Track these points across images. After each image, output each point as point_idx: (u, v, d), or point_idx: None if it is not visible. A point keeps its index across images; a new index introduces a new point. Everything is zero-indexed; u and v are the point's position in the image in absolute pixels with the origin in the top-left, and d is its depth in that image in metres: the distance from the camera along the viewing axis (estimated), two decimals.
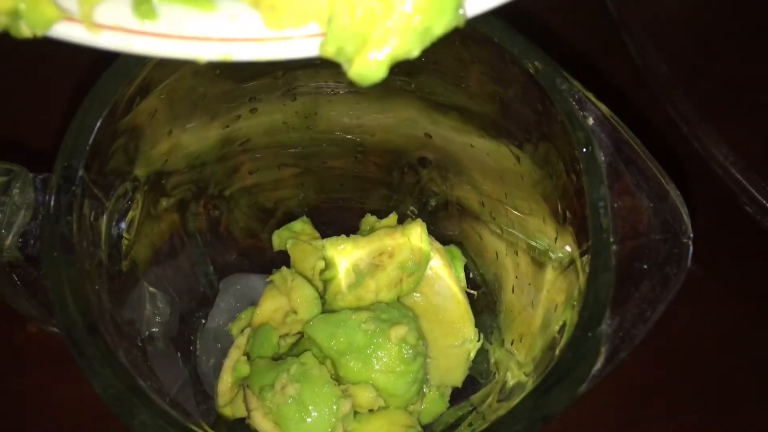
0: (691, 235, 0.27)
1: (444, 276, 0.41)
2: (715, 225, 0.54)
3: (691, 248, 0.27)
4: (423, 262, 0.40)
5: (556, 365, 0.26)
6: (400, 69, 0.35)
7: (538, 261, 0.35)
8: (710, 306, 0.51)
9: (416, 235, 0.40)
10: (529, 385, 0.27)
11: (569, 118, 0.29)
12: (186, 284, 0.41)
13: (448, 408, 0.42)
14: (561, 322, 0.29)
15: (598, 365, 0.26)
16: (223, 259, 0.44)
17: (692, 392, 0.49)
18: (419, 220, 0.40)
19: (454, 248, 0.44)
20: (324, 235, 0.45)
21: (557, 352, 0.27)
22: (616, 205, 0.28)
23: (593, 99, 0.29)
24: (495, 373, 0.40)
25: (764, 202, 0.50)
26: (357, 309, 0.39)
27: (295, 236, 0.45)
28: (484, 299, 0.44)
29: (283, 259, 0.44)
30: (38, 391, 0.48)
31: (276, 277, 0.42)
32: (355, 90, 0.37)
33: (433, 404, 0.41)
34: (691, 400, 0.48)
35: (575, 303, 0.28)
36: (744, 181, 0.50)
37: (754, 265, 0.54)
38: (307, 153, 0.42)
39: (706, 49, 0.57)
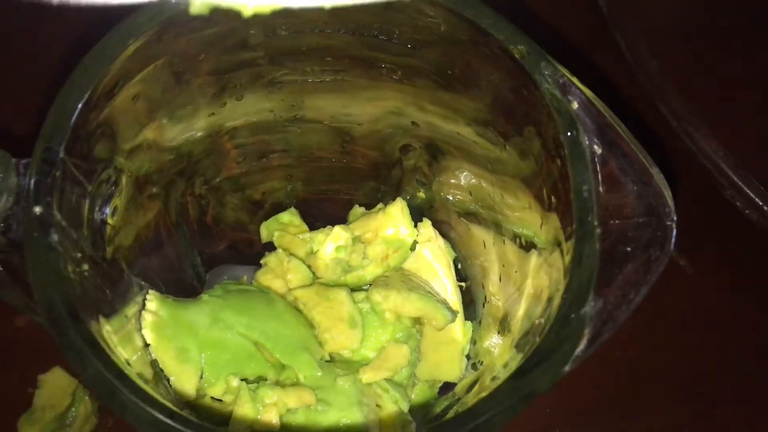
0: (675, 218, 0.27)
1: (437, 270, 0.42)
2: (704, 220, 0.54)
3: (674, 231, 0.27)
4: (407, 236, 0.40)
5: (540, 346, 0.26)
6: (387, 57, 0.35)
7: (525, 248, 0.35)
8: (697, 300, 0.51)
9: (398, 210, 0.41)
10: (514, 366, 0.27)
11: (553, 102, 0.29)
12: (173, 275, 0.41)
13: (436, 398, 0.42)
14: (545, 306, 0.29)
15: (582, 346, 0.26)
16: (211, 251, 0.44)
17: (681, 385, 0.49)
18: (399, 198, 0.41)
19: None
20: (312, 227, 0.45)
21: (544, 330, 0.27)
22: (600, 188, 0.28)
23: (578, 83, 0.29)
24: (481, 363, 0.40)
25: (753, 196, 0.50)
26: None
27: (283, 228, 0.45)
28: (471, 291, 0.44)
29: (270, 251, 0.44)
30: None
31: (270, 259, 0.42)
32: (341, 78, 0.37)
33: (422, 394, 0.41)
34: (681, 393, 0.48)
35: (560, 287, 0.28)
36: (733, 176, 0.51)
37: (743, 259, 0.54)
38: (295, 143, 0.41)
39: (696, 45, 0.57)
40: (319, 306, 0.40)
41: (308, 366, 0.38)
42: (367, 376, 0.38)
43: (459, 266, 0.44)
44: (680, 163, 0.54)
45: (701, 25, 0.58)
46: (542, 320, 0.28)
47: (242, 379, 0.37)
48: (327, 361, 0.39)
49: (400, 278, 0.41)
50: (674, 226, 0.27)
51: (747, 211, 0.51)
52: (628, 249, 0.27)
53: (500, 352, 0.35)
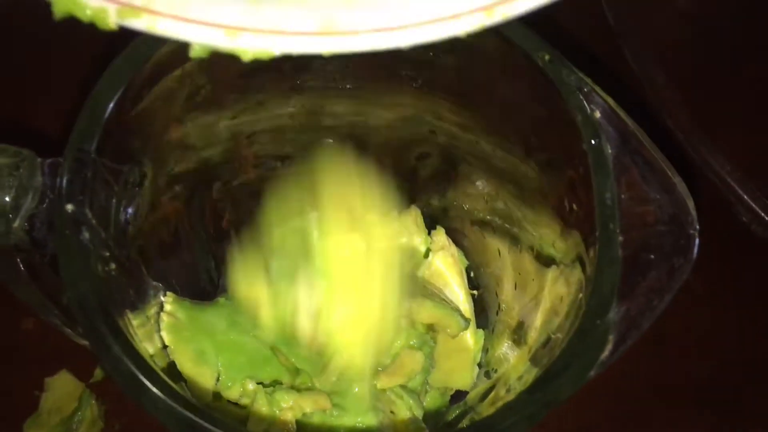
0: (697, 227, 0.28)
1: (449, 278, 0.42)
2: (710, 234, 0.54)
3: (697, 240, 0.28)
4: (420, 244, 0.41)
5: (564, 351, 0.26)
6: (407, 64, 0.36)
7: (542, 255, 0.35)
8: (703, 314, 0.52)
9: (411, 218, 0.41)
10: (533, 374, 0.27)
11: (577, 110, 0.30)
12: (188, 279, 0.41)
13: (448, 406, 0.42)
14: (566, 315, 0.29)
15: (606, 352, 0.26)
16: (225, 255, 0.44)
17: (692, 400, 0.49)
18: (414, 206, 0.41)
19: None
20: None
21: (565, 340, 0.27)
22: (623, 196, 0.28)
23: (600, 92, 0.30)
24: (495, 371, 0.40)
25: (760, 211, 0.50)
26: None
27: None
28: (484, 299, 0.44)
29: None
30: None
31: None
32: (361, 85, 0.37)
33: (434, 401, 0.41)
34: (691, 407, 0.48)
35: (582, 294, 0.28)
36: (740, 191, 0.51)
37: (750, 274, 0.54)
38: (311, 149, 0.42)
39: (703, 58, 0.58)
40: None
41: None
42: (382, 382, 0.38)
43: (471, 274, 0.44)
44: (686, 177, 0.55)
45: (709, 39, 0.59)
46: (562, 330, 0.28)
47: (258, 383, 0.37)
48: None
49: (414, 285, 0.41)
50: (697, 235, 0.28)
51: (753, 226, 0.52)
52: (652, 256, 0.28)
53: (516, 362, 0.35)
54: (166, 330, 0.36)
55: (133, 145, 0.30)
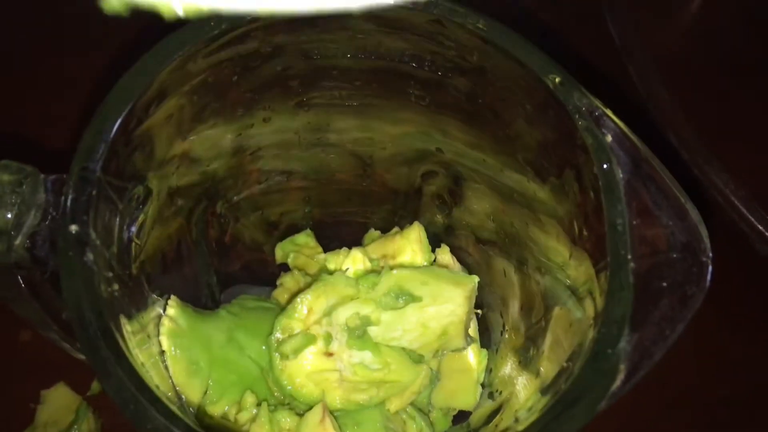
0: (710, 254, 0.27)
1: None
2: (714, 252, 0.54)
3: (710, 268, 0.27)
4: (424, 261, 0.41)
5: (575, 382, 0.26)
6: (416, 84, 0.35)
7: (550, 278, 0.34)
8: (708, 334, 0.51)
9: (415, 235, 0.40)
10: (543, 403, 0.27)
11: (587, 134, 0.29)
12: (189, 293, 0.41)
13: (450, 426, 0.41)
14: (577, 340, 0.29)
15: (618, 383, 0.26)
16: (227, 270, 0.43)
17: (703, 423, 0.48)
18: (417, 223, 0.41)
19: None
20: (326, 249, 0.45)
21: (575, 369, 0.27)
22: (634, 222, 0.28)
23: (611, 115, 0.30)
24: (499, 393, 0.40)
25: (763, 230, 0.50)
26: None
27: (298, 249, 0.45)
28: (488, 318, 0.43)
29: (285, 272, 0.44)
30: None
31: (286, 279, 0.42)
32: (368, 103, 0.37)
33: (436, 422, 0.41)
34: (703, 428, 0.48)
35: (592, 321, 0.28)
36: (743, 210, 0.50)
37: (754, 293, 0.54)
38: (316, 165, 0.41)
39: (707, 77, 0.58)
40: None
41: (312, 394, 0.37)
42: (393, 405, 0.38)
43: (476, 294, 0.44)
44: (691, 195, 0.54)
45: (713, 56, 0.59)
46: (572, 359, 0.28)
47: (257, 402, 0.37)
48: None
49: None
50: (710, 263, 0.27)
51: (758, 245, 0.51)
52: (664, 284, 0.27)
53: (524, 390, 0.34)
54: (165, 335, 0.36)
55: (138, 163, 0.30)
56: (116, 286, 0.27)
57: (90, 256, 0.25)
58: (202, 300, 0.43)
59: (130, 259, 0.31)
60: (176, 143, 0.32)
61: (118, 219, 0.29)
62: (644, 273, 0.27)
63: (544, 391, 0.30)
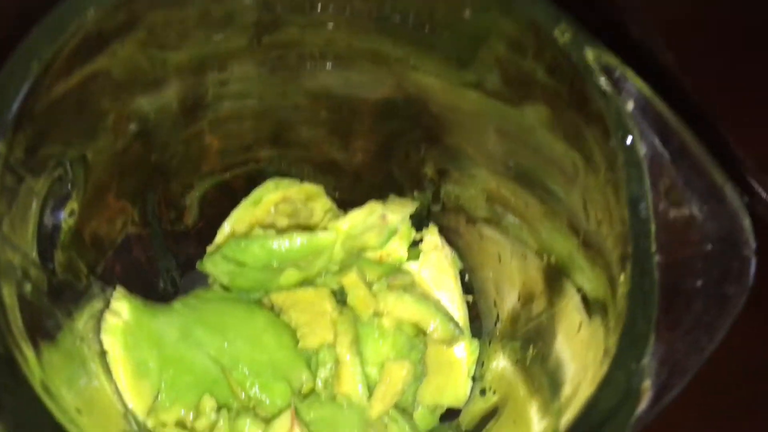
0: (754, 246, 0.23)
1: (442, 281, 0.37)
2: (759, 244, 0.50)
3: (753, 262, 0.23)
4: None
5: (590, 406, 0.21)
6: (399, 41, 0.30)
7: (555, 268, 0.30)
8: (752, 343, 0.46)
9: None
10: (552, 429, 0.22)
11: (604, 99, 0.24)
12: (141, 280, 0.36)
13: (438, 425, 0.37)
14: (588, 348, 0.24)
15: (643, 405, 0.21)
16: (187, 252, 0.39)
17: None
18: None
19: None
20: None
21: (588, 387, 0.22)
22: (660, 207, 0.23)
23: (634, 78, 0.24)
24: (493, 392, 0.35)
25: None
26: None
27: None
28: (478, 305, 0.39)
29: None
30: None
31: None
32: (345, 61, 0.32)
33: (422, 420, 0.37)
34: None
35: (609, 327, 0.23)
36: (753, 182, 0.47)
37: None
38: (287, 136, 0.36)
39: (715, 42, 0.53)
40: (298, 305, 0.36)
41: (282, 396, 0.34)
42: (376, 409, 0.34)
43: (466, 278, 0.39)
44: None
45: (720, 19, 0.54)
46: (584, 375, 0.23)
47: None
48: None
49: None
50: (753, 257, 0.23)
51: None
52: (698, 284, 0.22)
53: (524, 398, 0.30)
54: (108, 332, 0.32)
55: (59, 137, 0.25)
56: (29, 289, 0.22)
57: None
58: (161, 286, 0.39)
59: (55, 249, 0.26)
60: (110, 112, 0.27)
61: (35, 204, 0.24)
62: (673, 268, 0.23)
63: (551, 411, 0.25)
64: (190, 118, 0.32)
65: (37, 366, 0.21)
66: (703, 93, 0.49)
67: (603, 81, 0.25)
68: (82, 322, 0.29)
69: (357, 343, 0.35)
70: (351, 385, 0.34)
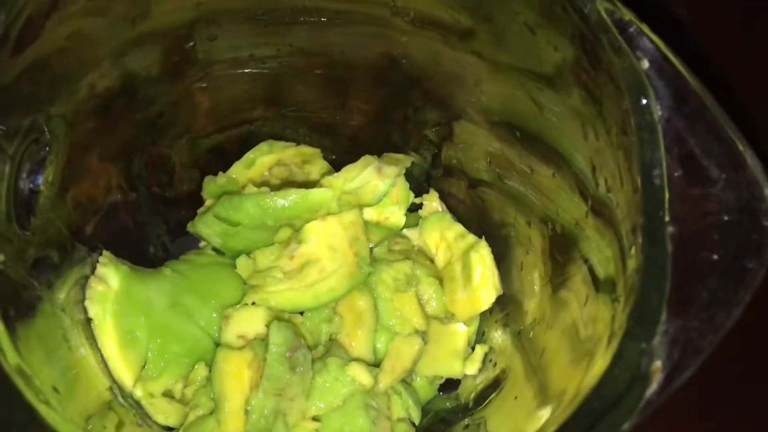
0: None
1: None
2: None
3: None
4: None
5: (598, 388, 0.20)
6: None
7: (561, 236, 0.28)
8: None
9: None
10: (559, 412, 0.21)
11: (618, 57, 0.23)
12: (130, 246, 0.35)
13: (437, 395, 0.36)
14: (596, 324, 0.23)
15: (654, 386, 0.20)
16: (178, 218, 0.37)
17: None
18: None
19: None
20: None
21: (596, 367, 0.21)
22: (675, 174, 0.22)
23: (650, 34, 0.23)
24: (493, 364, 0.34)
25: None
26: None
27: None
28: None
29: None
30: None
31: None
32: (343, 20, 0.30)
33: (421, 391, 0.36)
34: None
35: (619, 301, 0.22)
36: None
37: None
38: (280, 96, 0.35)
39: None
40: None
41: None
42: (384, 381, 0.32)
43: None
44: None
45: None
46: (590, 351, 0.22)
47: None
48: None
49: None
50: None
51: None
52: (714, 257, 0.21)
53: (526, 375, 0.28)
54: (94, 300, 0.31)
55: (33, 96, 0.23)
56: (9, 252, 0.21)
57: None
58: (151, 251, 0.37)
59: (30, 214, 0.24)
60: (89, 68, 0.25)
61: (8, 167, 0.23)
62: (687, 240, 0.21)
63: (553, 392, 0.24)
64: (176, 75, 0.30)
65: (10, 346, 0.20)
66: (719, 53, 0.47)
67: (616, 36, 0.23)
68: (65, 291, 0.28)
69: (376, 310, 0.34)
70: (364, 348, 0.34)
